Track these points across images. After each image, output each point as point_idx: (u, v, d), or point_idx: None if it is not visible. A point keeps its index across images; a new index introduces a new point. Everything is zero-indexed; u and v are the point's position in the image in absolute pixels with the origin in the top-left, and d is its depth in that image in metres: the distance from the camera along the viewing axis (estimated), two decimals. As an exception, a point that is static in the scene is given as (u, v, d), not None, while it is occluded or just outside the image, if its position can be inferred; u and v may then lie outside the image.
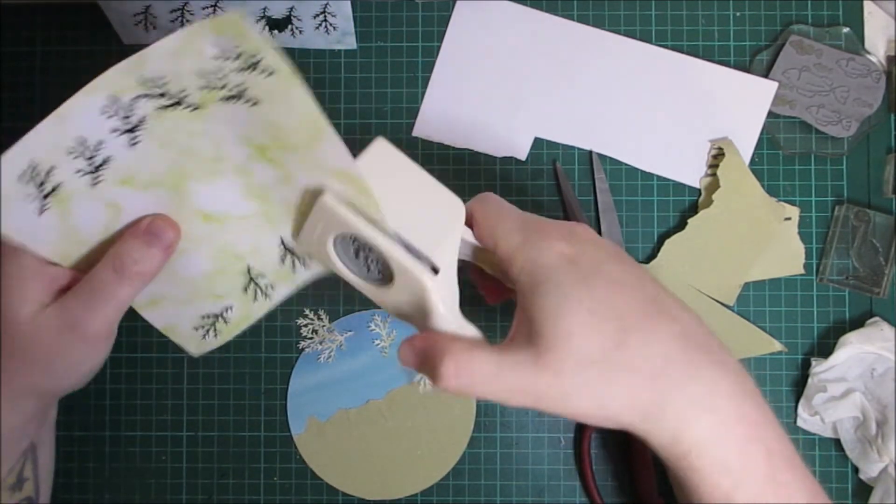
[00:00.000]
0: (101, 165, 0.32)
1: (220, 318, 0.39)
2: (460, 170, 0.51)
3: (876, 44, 0.51)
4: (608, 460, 0.50)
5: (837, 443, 0.48)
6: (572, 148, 0.51)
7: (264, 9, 0.48)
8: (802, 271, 0.50)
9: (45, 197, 0.31)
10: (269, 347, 0.51)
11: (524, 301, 0.31)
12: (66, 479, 0.50)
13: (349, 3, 0.48)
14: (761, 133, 0.50)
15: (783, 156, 0.51)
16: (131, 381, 0.51)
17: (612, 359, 0.29)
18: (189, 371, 0.51)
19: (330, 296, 0.51)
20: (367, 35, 0.52)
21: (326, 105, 0.51)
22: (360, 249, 0.33)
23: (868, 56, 0.50)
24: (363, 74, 0.52)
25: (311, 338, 0.50)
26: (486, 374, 0.30)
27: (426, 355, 0.31)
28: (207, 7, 0.49)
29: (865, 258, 0.49)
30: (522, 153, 0.51)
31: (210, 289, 0.38)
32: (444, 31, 0.51)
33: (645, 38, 0.51)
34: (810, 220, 0.50)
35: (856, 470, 0.48)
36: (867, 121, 0.50)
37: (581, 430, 0.49)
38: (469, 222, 0.34)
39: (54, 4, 0.52)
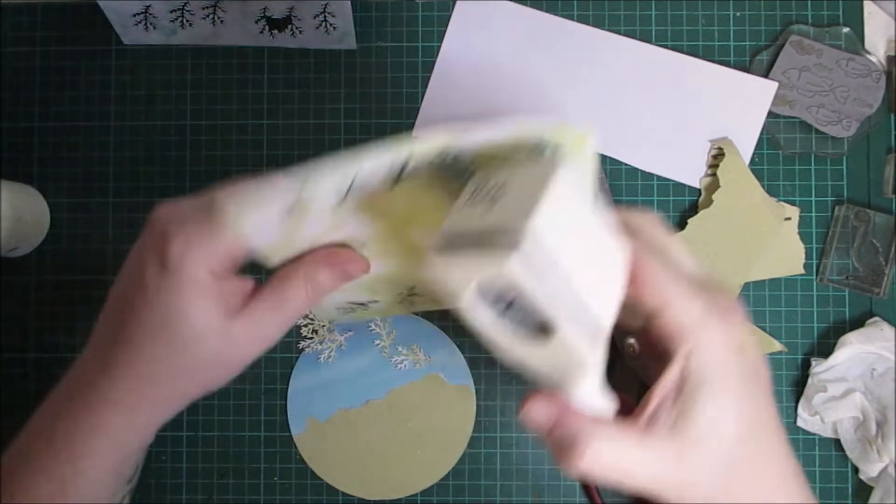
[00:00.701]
0: (348, 190, 0.30)
1: (363, 306, 0.40)
2: (460, 170, 0.51)
3: (876, 44, 0.51)
4: (608, 460, 0.50)
5: (837, 443, 0.48)
6: (572, 148, 0.51)
7: (264, 9, 0.48)
8: (802, 271, 0.50)
9: (290, 209, 0.30)
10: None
11: (685, 392, 0.28)
12: (66, 479, 0.50)
13: (349, 3, 0.48)
14: (761, 133, 0.50)
15: (783, 156, 0.51)
16: (131, 381, 0.51)
17: (754, 465, 0.29)
18: (189, 371, 0.51)
19: (330, 296, 0.51)
20: (367, 35, 0.51)
21: (326, 105, 0.51)
22: (504, 297, 0.28)
23: (868, 56, 0.50)
24: (363, 74, 0.52)
25: (311, 338, 0.50)
26: (628, 463, 0.28)
27: (566, 426, 0.29)
28: (207, 7, 0.49)
29: (865, 258, 0.49)
30: (522, 153, 0.51)
31: (372, 288, 0.38)
32: (444, 31, 0.51)
33: (645, 38, 0.51)
34: (810, 220, 0.50)
35: (856, 470, 0.48)
36: (867, 121, 0.50)
37: (581, 430, 0.49)
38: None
39: (54, 4, 0.52)
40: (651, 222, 0.31)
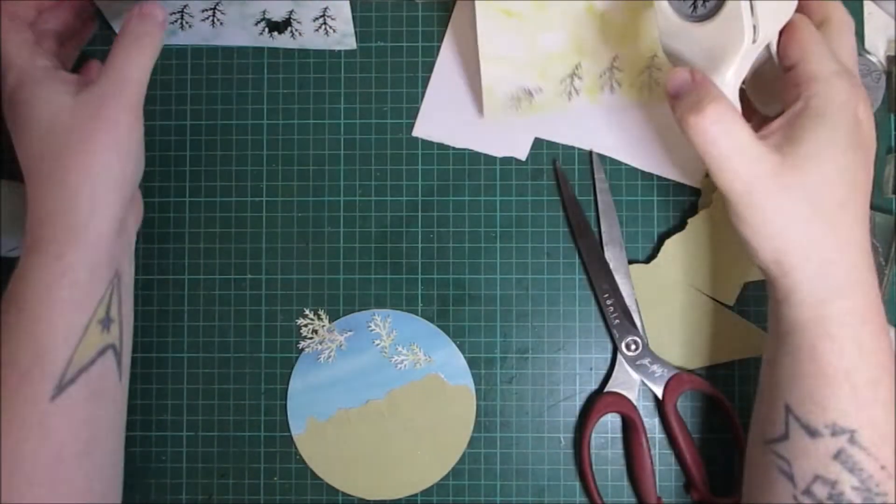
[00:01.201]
0: None
1: (529, 96, 0.48)
2: (460, 170, 0.51)
3: (876, 44, 0.51)
4: (608, 460, 0.50)
5: (837, 443, 0.48)
6: (572, 148, 0.51)
7: (264, 11, 0.48)
8: (802, 271, 0.50)
9: None
10: (269, 347, 0.51)
11: (802, 117, 0.33)
12: (66, 479, 0.50)
13: (348, 4, 0.48)
14: (761, 133, 0.50)
15: (783, 156, 0.51)
16: (131, 381, 0.50)
17: (832, 213, 0.32)
18: (189, 371, 0.51)
19: (330, 296, 0.51)
20: (367, 35, 0.52)
21: (326, 105, 0.51)
22: None
23: (868, 56, 0.50)
24: (363, 74, 0.52)
25: (311, 338, 0.50)
26: (736, 143, 0.32)
27: (701, 88, 0.33)
28: (207, 10, 0.48)
29: (865, 258, 0.49)
30: (522, 153, 0.51)
31: (543, 68, 0.47)
32: (444, 31, 0.51)
33: (645, 38, 0.51)
34: (810, 220, 0.50)
35: (856, 470, 0.48)
36: (867, 121, 0.50)
37: (581, 430, 0.49)
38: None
39: (54, 4, 0.52)
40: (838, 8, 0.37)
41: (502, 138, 0.51)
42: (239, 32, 0.50)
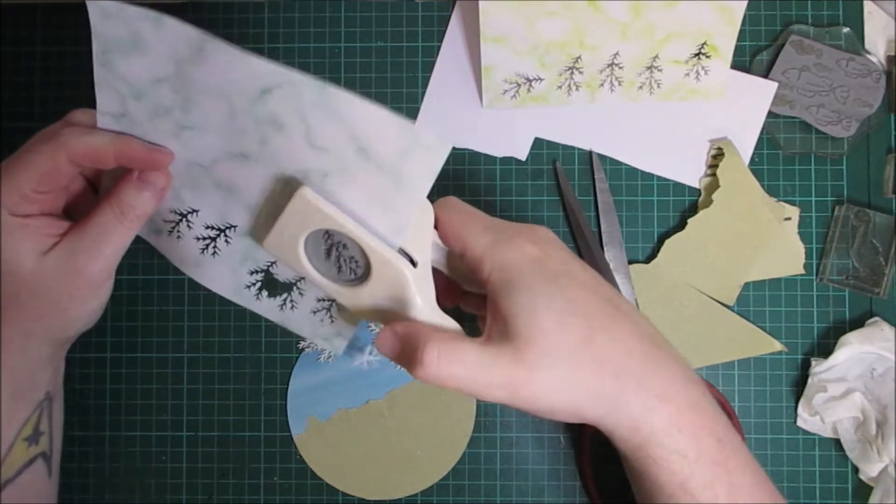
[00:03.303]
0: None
1: (528, 83, 0.49)
2: (460, 170, 0.51)
3: (876, 44, 0.51)
4: (608, 460, 0.50)
5: (837, 443, 0.48)
6: (572, 148, 0.51)
7: (272, 263, 0.40)
8: (802, 271, 0.50)
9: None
10: (269, 347, 0.51)
11: (497, 299, 0.32)
12: (66, 479, 0.50)
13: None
14: (761, 133, 0.50)
15: (783, 156, 0.51)
16: (131, 381, 0.51)
17: (583, 354, 0.31)
18: (189, 371, 0.51)
19: (330, 296, 0.51)
20: (366, 35, 0.51)
21: (326, 105, 0.51)
22: (332, 248, 0.34)
23: (868, 56, 0.50)
24: (363, 74, 0.52)
25: (311, 338, 0.50)
26: (469, 364, 0.31)
27: (408, 341, 0.32)
28: (211, 229, 0.41)
29: (865, 258, 0.49)
30: (522, 153, 0.51)
31: (542, 55, 0.48)
32: (444, 31, 0.51)
33: (645, 38, 0.51)
34: (810, 220, 0.50)
35: (856, 470, 0.48)
36: (867, 121, 0.50)
37: (581, 429, 0.49)
38: (434, 226, 0.35)
39: (54, 4, 0.52)
40: (454, 200, 0.36)
41: (502, 138, 0.51)
42: (224, 274, 0.41)
